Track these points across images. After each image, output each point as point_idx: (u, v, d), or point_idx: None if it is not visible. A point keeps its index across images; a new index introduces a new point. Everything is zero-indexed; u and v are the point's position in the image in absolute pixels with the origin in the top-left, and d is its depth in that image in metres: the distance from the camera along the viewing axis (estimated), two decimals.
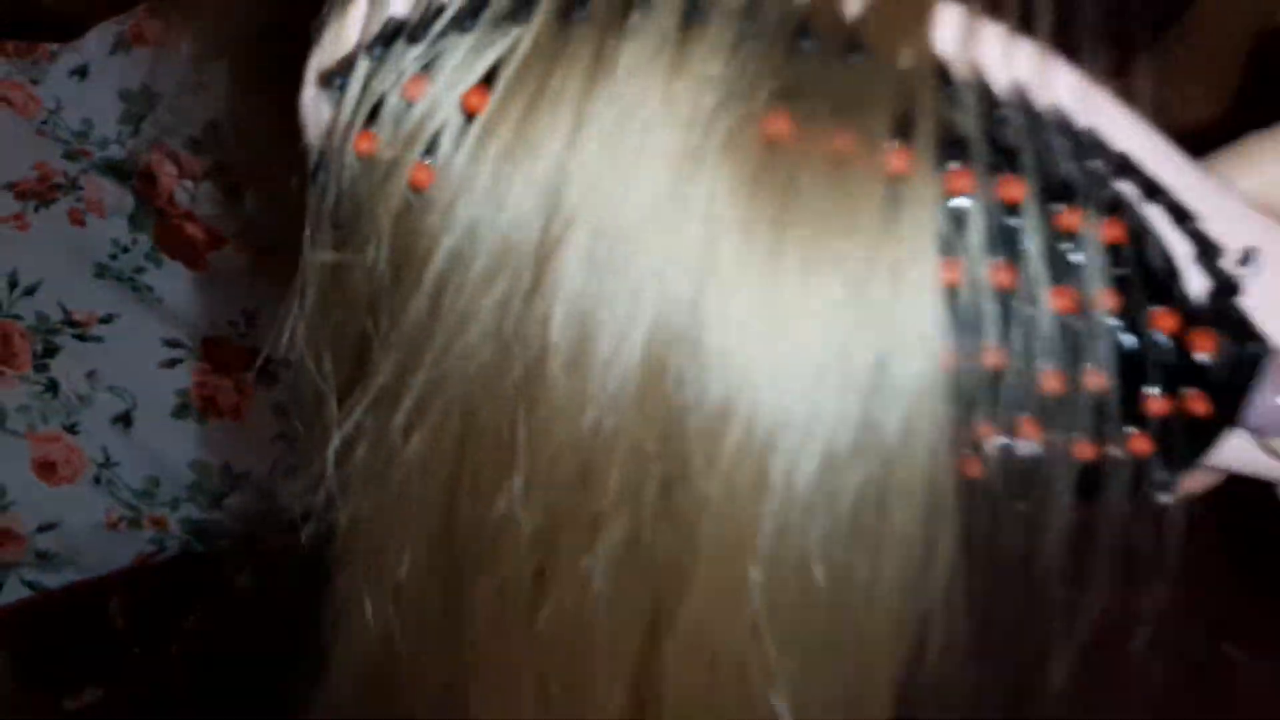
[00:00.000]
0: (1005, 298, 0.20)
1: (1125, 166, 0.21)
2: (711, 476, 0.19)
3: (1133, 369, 0.22)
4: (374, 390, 0.21)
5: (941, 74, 0.20)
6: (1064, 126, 0.21)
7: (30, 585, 0.76)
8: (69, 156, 0.82)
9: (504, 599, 0.22)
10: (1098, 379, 0.21)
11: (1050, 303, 0.20)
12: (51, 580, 0.77)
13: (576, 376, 0.19)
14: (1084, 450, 0.22)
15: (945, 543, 0.21)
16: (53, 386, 0.75)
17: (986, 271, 0.20)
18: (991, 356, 0.20)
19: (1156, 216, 0.22)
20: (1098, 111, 0.21)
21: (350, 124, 0.20)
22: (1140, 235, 0.21)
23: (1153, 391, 0.22)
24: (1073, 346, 0.21)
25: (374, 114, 0.20)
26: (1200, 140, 0.24)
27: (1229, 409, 0.23)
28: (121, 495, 0.76)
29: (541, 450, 0.20)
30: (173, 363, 0.77)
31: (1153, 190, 0.21)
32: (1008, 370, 0.21)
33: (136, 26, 0.85)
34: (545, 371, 0.19)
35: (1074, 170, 0.20)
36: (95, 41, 0.85)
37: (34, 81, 0.85)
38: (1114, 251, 0.21)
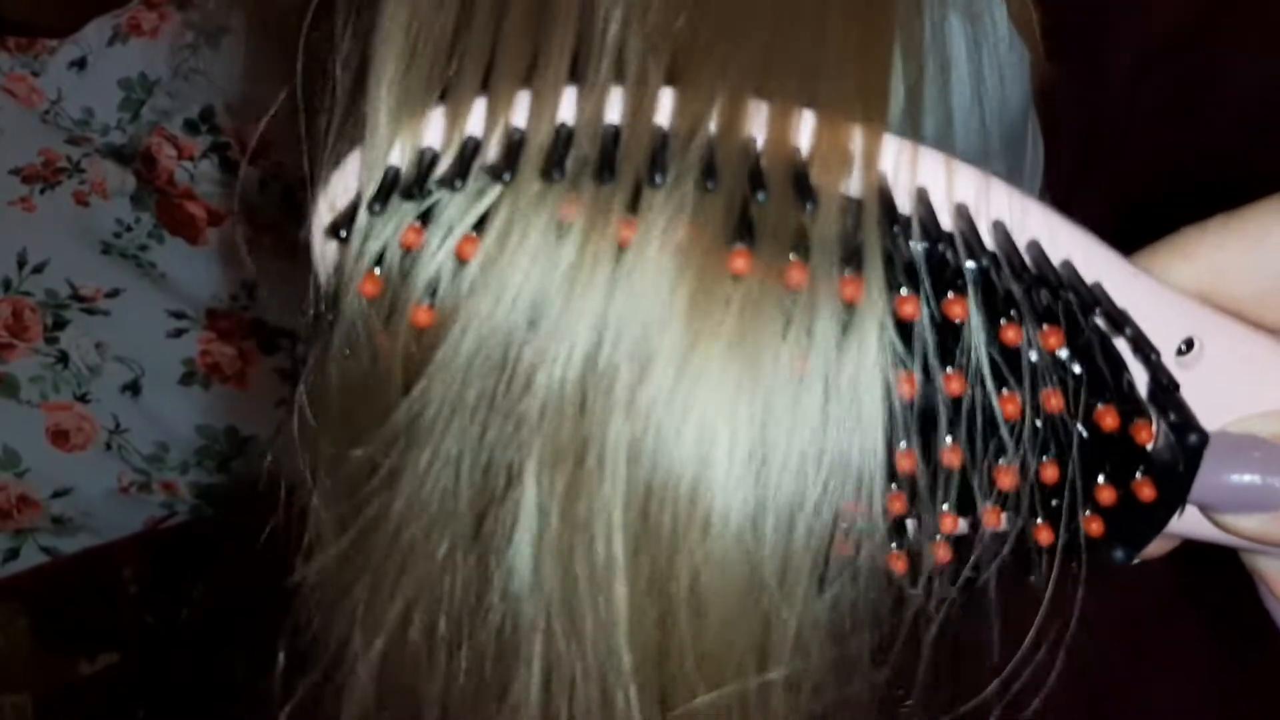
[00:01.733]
0: (958, 404, 0.22)
1: (1064, 280, 0.23)
2: (684, 570, 0.21)
3: (1084, 459, 0.24)
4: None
5: (887, 203, 0.22)
6: (1005, 244, 0.23)
7: (46, 550, 0.79)
8: (72, 142, 0.85)
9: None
10: (1051, 471, 0.23)
11: (1000, 408, 0.22)
12: (67, 545, 0.80)
13: (553, 484, 0.21)
14: (1044, 535, 0.24)
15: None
16: (63, 358, 0.78)
17: (939, 382, 0.22)
18: (949, 456, 0.23)
19: (1099, 320, 0.23)
20: (1036, 225, 0.23)
21: (355, 269, 0.22)
22: (1084, 339, 0.23)
23: (1103, 480, 0.24)
24: (1025, 443, 0.23)
25: (378, 258, 0.22)
26: (1139, 232, 0.26)
27: (1175, 494, 0.24)
28: (132, 460, 0.79)
29: (506, 550, 0.22)
30: (178, 333, 0.80)
31: (1091, 300, 0.23)
32: (966, 468, 0.23)
33: (133, 18, 0.88)
34: (521, 479, 0.21)
35: (1014, 285, 0.22)
36: (93, 34, 0.89)
37: (35, 74, 0.88)
38: (1057, 356, 0.23)
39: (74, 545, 0.80)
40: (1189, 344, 0.25)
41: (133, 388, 0.79)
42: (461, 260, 0.21)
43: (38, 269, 0.80)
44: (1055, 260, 0.23)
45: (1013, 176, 0.63)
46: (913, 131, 0.24)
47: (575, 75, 0.22)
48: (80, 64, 0.88)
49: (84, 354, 0.78)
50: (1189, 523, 0.26)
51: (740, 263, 0.20)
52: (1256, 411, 0.25)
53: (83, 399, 0.78)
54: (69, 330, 0.79)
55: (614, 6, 0.22)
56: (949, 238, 0.22)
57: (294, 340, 0.83)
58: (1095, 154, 0.72)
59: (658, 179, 0.20)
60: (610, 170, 0.21)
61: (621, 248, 0.21)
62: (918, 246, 0.22)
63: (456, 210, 0.21)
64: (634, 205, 0.21)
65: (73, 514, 0.79)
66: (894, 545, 0.24)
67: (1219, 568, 0.28)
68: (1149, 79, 0.72)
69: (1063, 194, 0.68)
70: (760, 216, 0.21)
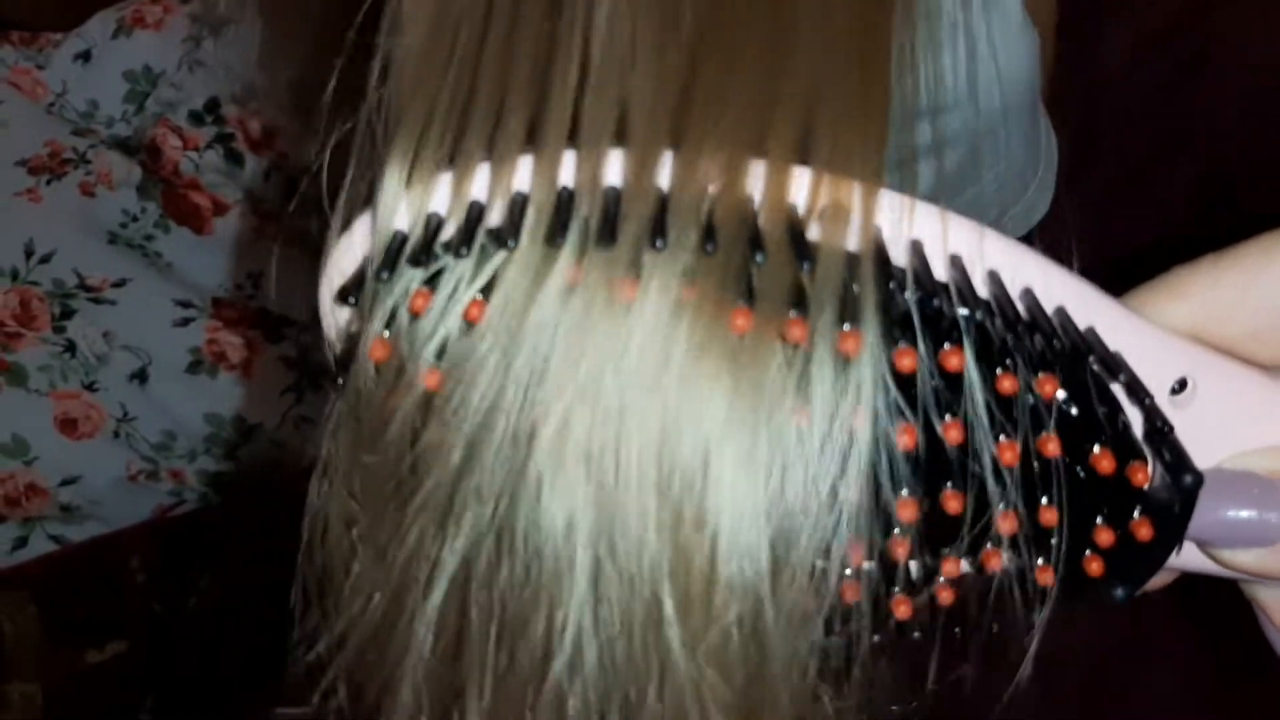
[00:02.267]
0: (958, 451, 0.23)
1: (1057, 328, 0.23)
2: (688, 592, 0.22)
3: (1082, 500, 0.24)
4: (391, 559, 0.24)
5: (882, 257, 0.22)
6: (1000, 293, 0.23)
7: (55, 539, 0.80)
8: (78, 134, 0.85)
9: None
10: (1050, 515, 0.24)
11: (998, 455, 0.23)
12: (75, 533, 0.80)
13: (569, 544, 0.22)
14: (1044, 576, 0.24)
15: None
16: (71, 347, 0.79)
17: (939, 431, 0.23)
18: (952, 503, 0.23)
19: (1093, 366, 0.24)
20: (1030, 272, 0.24)
21: (365, 334, 0.23)
22: (1080, 384, 0.23)
23: (1101, 521, 0.24)
24: (1024, 487, 0.23)
25: (388, 321, 0.22)
26: (1131, 271, 0.26)
27: (1172, 533, 0.24)
28: (140, 449, 0.79)
29: (514, 597, 0.22)
30: (185, 322, 0.80)
31: (1085, 347, 0.23)
32: (967, 512, 0.23)
33: (137, 11, 0.89)
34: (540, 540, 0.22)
35: (1008, 335, 0.23)
36: (97, 27, 0.89)
37: (40, 67, 0.89)
38: (1054, 403, 0.23)
39: (82, 533, 0.80)
40: (1182, 384, 0.25)
41: (140, 376, 0.79)
42: (469, 323, 0.22)
43: (45, 259, 0.80)
44: (1049, 307, 0.24)
45: (1027, 162, 0.63)
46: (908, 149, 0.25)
47: (576, 137, 0.22)
48: (85, 57, 0.88)
49: (91, 343, 0.79)
50: (1187, 557, 0.26)
51: (741, 321, 0.21)
52: (1252, 448, 0.26)
53: (90, 387, 0.78)
54: (76, 320, 0.79)
55: (613, 70, 0.23)
56: (944, 288, 0.22)
57: (299, 329, 0.83)
58: (1095, 135, 0.73)
59: (658, 243, 0.21)
60: (612, 235, 0.21)
61: (625, 307, 0.21)
62: (913, 298, 0.22)
63: (463, 275, 0.22)
64: (636, 266, 0.21)
65: (81, 502, 0.79)
66: (897, 589, 0.24)
67: (1217, 585, 0.29)
68: (1148, 61, 0.72)
69: (1063, 175, 0.69)
70: (759, 275, 0.21)
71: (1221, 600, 0.29)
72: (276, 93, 0.86)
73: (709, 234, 0.21)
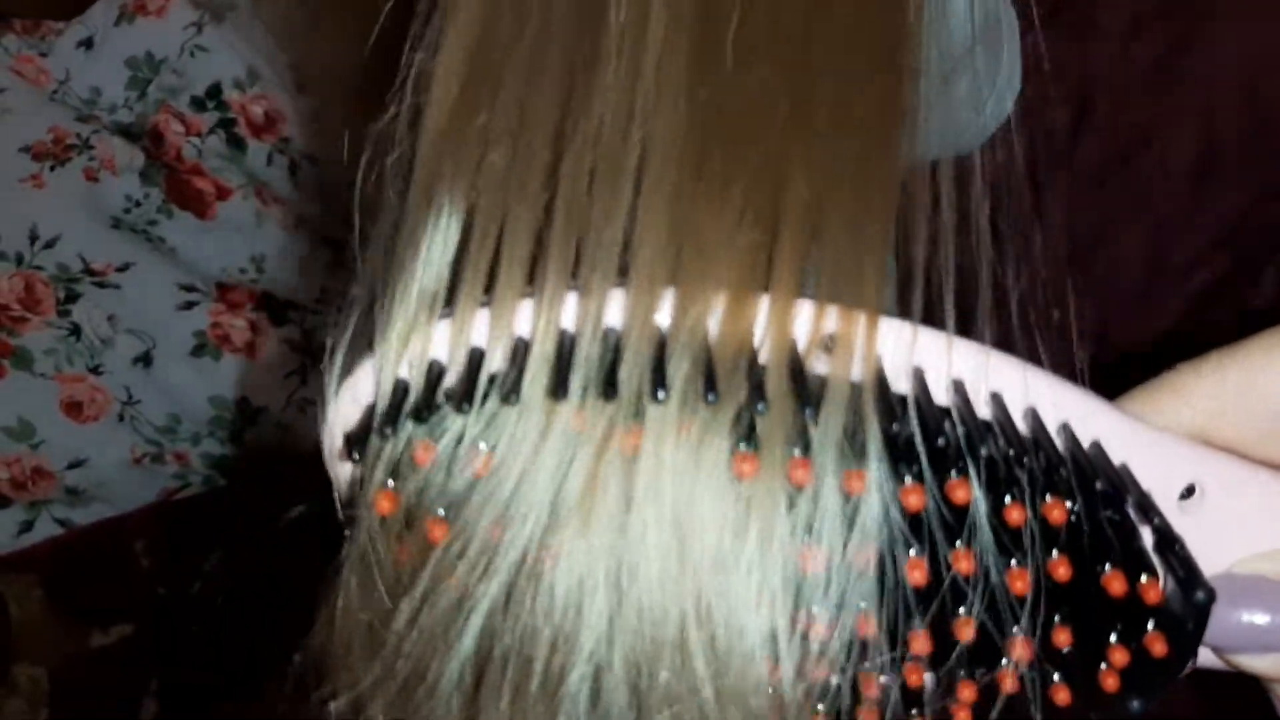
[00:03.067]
0: (969, 582, 0.22)
1: (1062, 451, 0.23)
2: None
3: (1095, 617, 0.24)
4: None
5: (884, 388, 0.22)
6: (1002, 415, 0.23)
7: (61, 522, 0.80)
8: (81, 120, 0.86)
9: None
10: (1063, 636, 0.24)
11: (1008, 584, 0.23)
12: (81, 516, 0.81)
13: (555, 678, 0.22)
14: (1060, 695, 0.24)
15: None
16: (76, 331, 0.79)
17: (949, 561, 0.22)
18: (963, 631, 0.23)
19: (1101, 487, 0.23)
20: (1034, 392, 0.23)
21: (371, 487, 0.22)
22: (1089, 503, 0.23)
23: (1115, 639, 0.24)
24: (1036, 613, 0.23)
25: (391, 472, 0.22)
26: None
27: (1186, 648, 0.24)
28: (145, 432, 0.80)
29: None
30: (189, 305, 0.81)
31: (1091, 470, 0.23)
32: (980, 640, 0.23)
33: None
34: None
35: (1012, 461, 0.22)
36: (100, 14, 0.90)
37: (43, 55, 0.89)
38: (1063, 528, 0.23)
39: (88, 516, 0.81)
40: (1190, 490, 0.25)
41: (144, 360, 0.80)
42: (475, 476, 0.22)
43: (49, 244, 0.81)
44: (1053, 424, 0.24)
45: (986, 77, 0.61)
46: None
47: (576, 275, 0.22)
48: (87, 44, 0.89)
49: (96, 326, 0.79)
50: (1202, 657, 0.26)
51: (746, 467, 0.21)
52: (1262, 550, 0.25)
53: (95, 371, 0.79)
54: (81, 304, 0.80)
55: (614, 211, 0.22)
56: (946, 415, 0.22)
57: (303, 312, 0.84)
58: (1090, 111, 0.73)
59: (660, 394, 0.21)
60: (613, 387, 0.21)
61: (631, 457, 0.21)
62: (916, 430, 0.22)
63: (467, 429, 0.22)
64: (640, 415, 0.21)
65: (86, 485, 0.80)
66: (914, 712, 0.25)
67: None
68: (1141, 39, 0.73)
69: (1059, 153, 0.69)
70: (762, 420, 0.21)
71: (1233, 676, 0.29)
72: (278, 77, 0.86)
73: (710, 383, 0.21)
